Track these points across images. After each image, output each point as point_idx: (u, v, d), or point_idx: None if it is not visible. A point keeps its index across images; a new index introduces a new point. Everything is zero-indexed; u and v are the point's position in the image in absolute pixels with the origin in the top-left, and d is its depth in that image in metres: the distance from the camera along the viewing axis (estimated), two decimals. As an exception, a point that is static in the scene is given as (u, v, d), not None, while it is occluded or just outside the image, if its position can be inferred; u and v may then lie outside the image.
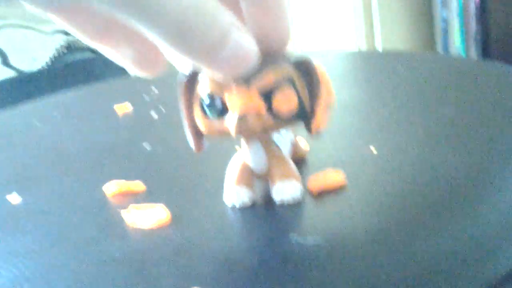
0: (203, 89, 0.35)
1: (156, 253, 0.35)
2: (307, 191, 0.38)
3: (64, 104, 0.67)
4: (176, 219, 0.38)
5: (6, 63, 1.55)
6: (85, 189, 0.44)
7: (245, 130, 0.34)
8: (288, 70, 0.35)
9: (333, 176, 0.39)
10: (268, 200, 0.38)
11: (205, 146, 0.37)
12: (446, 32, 1.63)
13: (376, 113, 0.49)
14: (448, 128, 0.45)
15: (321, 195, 0.38)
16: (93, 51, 1.63)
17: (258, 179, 0.38)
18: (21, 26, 1.66)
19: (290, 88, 0.34)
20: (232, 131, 0.35)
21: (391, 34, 1.63)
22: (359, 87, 0.56)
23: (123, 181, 0.43)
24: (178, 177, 0.43)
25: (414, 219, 0.34)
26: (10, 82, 1.57)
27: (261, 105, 0.34)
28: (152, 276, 0.33)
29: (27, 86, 1.53)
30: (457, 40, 1.60)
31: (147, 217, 0.38)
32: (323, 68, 0.36)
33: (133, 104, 0.61)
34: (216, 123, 0.35)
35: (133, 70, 0.35)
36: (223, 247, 0.34)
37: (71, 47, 1.58)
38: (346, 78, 0.60)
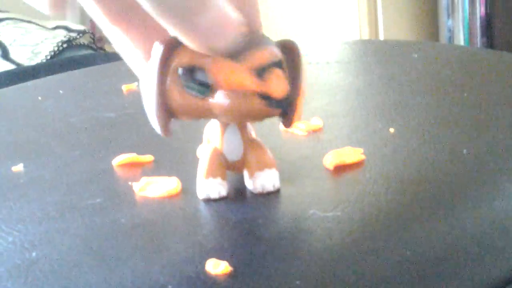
0: (184, 61, 0.31)
1: (167, 223, 0.34)
2: (323, 167, 0.37)
3: (69, 82, 0.66)
4: (186, 190, 0.37)
5: (6, 56, 1.53)
6: (92, 161, 0.43)
7: (237, 110, 0.31)
8: (279, 53, 0.32)
9: (351, 153, 0.37)
10: (242, 191, 0.35)
11: (172, 130, 0.33)
12: (450, 41, 1.62)
13: (392, 96, 0.48)
14: (465, 111, 0.44)
15: (339, 171, 0.37)
16: (93, 48, 1.62)
17: (228, 169, 0.35)
18: (22, 21, 1.65)
19: (281, 72, 0.32)
20: (221, 111, 0.31)
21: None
22: (374, 73, 0.55)
23: (132, 154, 0.42)
24: (188, 150, 0.42)
25: (432, 197, 0.33)
26: (8, 74, 1.56)
27: (254, 83, 0.31)
28: (164, 246, 0.32)
29: (25, 80, 1.51)
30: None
31: (158, 187, 0.37)
32: (303, 54, 0.33)
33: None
34: (195, 101, 0.31)
35: (46, 9, 0.30)
36: (238, 219, 0.33)
37: (72, 43, 1.56)
38: (360, 65, 0.59)
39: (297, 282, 0.28)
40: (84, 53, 1.56)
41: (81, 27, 1.66)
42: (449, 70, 0.52)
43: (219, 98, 0.31)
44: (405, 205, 0.33)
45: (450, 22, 1.63)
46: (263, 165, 0.35)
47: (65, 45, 1.57)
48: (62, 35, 1.59)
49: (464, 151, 0.37)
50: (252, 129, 0.38)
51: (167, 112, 0.32)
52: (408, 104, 0.46)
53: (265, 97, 0.31)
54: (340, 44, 0.66)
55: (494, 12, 1.56)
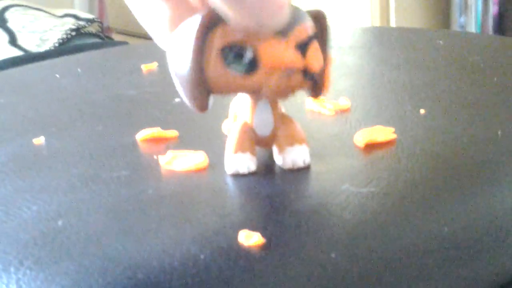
0: (227, 37, 0.30)
1: (196, 196, 0.33)
2: (353, 145, 0.36)
3: (86, 62, 0.66)
4: (213, 165, 0.36)
5: (14, 43, 1.52)
6: (115, 136, 0.42)
7: (287, 89, 0.31)
8: (313, 25, 0.31)
9: (382, 131, 0.37)
10: (271, 167, 0.35)
11: (211, 105, 0.32)
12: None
13: (421, 79, 0.47)
14: (497, 94, 0.43)
15: (370, 149, 0.36)
16: (101, 36, 1.61)
17: (257, 145, 0.34)
18: (31, 8, 1.64)
19: (317, 44, 0.31)
20: (267, 89, 0.31)
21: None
22: (400, 57, 0.54)
23: (156, 128, 0.41)
24: (213, 126, 0.41)
25: (469, 175, 0.33)
26: (15, 60, 1.55)
27: (300, 59, 0.30)
28: (193, 217, 0.31)
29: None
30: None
31: (184, 161, 0.36)
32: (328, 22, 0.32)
33: (160, 65, 0.59)
34: (238, 79, 0.31)
35: None
36: (269, 193, 0.32)
37: (80, 31, 1.56)
38: (385, 50, 0.58)
39: (332, 255, 0.27)
40: (92, 41, 1.56)
41: (89, 16, 1.65)
42: (477, 55, 0.52)
43: (264, 77, 0.30)
44: (440, 183, 0.32)
45: (462, 19, 1.62)
46: (293, 141, 0.34)
47: (73, 33, 1.56)
48: (70, 23, 1.59)
49: (499, 132, 0.36)
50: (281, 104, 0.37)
51: (204, 87, 0.31)
52: (438, 86, 0.45)
53: (304, 72, 0.31)
54: (361, 30, 0.65)
55: (506, 12, 1.55)
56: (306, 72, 0.31)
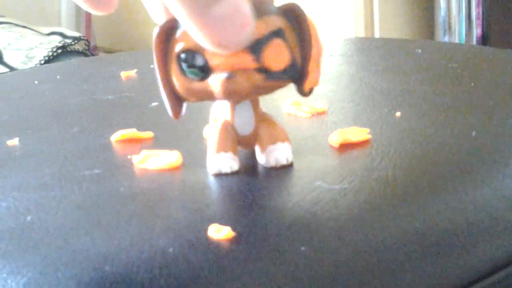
0: (180, 44, 0.30)
1: (168, 193, 0.33)
2: (328, 146, 0.36)
3: (66, 69, 0.65)
4: (188, 164, 0.36)
5: (0, 60, 1.52)
6: (90, 137, 0.42)
7: (234, 92, 0.30)
8: (277, 21, 0.30)
9: (357, 132, 0.37)
10: (254, 167, 0.34)
11: (184, 111, 0.32)
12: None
13: (398, 85, 0.47)
14: (473, 99, 0.43)
15: (345, 149, 0.36)
16: (87, 55, 1.61)
17: (239, 145, 0.34)
18: (17, 25, 1.64)
19: (280, 42, 0.30)
20: (219, 94, 0.31)
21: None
22: (379, 65, 0.54)
23: (132, 129, 0.41)
24: (190, 129, 0.41)
25: (441, 174, 0.33)
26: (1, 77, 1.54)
27: (249, 61, 0.30)
28: (164, 213, 0.31)
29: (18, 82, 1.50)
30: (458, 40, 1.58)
31: (158, 160, 0.36)
32: (311, 17, 0.32)
33: (139, 72, 0.59)
34: (197, 84, 0.31)
35: (85, 6, 0.31)
36: (241, 190, 0.32)
37: (66, 49, 1.55)
38: (364, 58, 0.58)
39: (302, 248, 0.27)
40: (77, 58, 1.55)
41: (76, 34, 1.65)
42: (455, 63, 0.52)
43: (215, 81, 0.30)
44: (413, 181, 0.32)
45: (446, 38, 1.63)
46: (275, 139, 0.34)
47: (59, 51, 1.55)
48: (57, 40, 1.58)
49: (473, 133, 0.36)
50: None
51: (176, 95, 0.32)
52: (415, 91, 0.45)
53: (265, 71, 0.31)
54: (343, 40, 0.65)
55: (490, 33, 1.57)
56: (268, 72, 0.31)
